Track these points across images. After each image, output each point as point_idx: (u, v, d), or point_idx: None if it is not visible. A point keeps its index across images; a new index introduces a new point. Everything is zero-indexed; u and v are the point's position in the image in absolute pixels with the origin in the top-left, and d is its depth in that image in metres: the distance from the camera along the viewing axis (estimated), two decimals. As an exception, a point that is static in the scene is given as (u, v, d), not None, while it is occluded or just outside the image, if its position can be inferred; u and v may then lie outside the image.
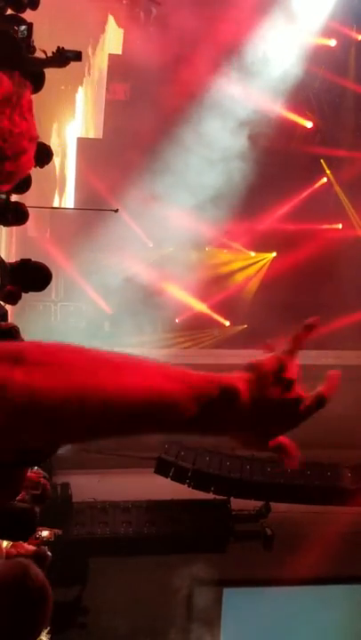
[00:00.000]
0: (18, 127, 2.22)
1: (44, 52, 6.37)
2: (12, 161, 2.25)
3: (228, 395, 1.28)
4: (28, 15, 6.42)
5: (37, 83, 5.91)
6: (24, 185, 5.57)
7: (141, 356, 1.26)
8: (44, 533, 7.16)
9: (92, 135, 15.78)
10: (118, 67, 15.15)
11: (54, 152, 7.92)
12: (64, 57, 6.55)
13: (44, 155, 6.27)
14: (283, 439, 1.40)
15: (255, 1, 14.40)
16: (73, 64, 8.02)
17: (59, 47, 6.43)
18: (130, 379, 1.20)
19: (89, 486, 12.34)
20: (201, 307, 16.06)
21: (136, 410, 1.18)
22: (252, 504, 12.83)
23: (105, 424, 1.19)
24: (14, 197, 6.84)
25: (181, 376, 1.24)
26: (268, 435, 1.36)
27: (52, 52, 6.47)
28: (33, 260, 5.76)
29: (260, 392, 1.32)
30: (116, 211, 9.95)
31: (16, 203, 6.64)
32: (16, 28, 5.95)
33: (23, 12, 6.30)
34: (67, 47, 6.97)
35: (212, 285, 16.13)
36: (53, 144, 13.88)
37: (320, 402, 1.39)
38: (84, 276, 14.43)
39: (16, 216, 6.31)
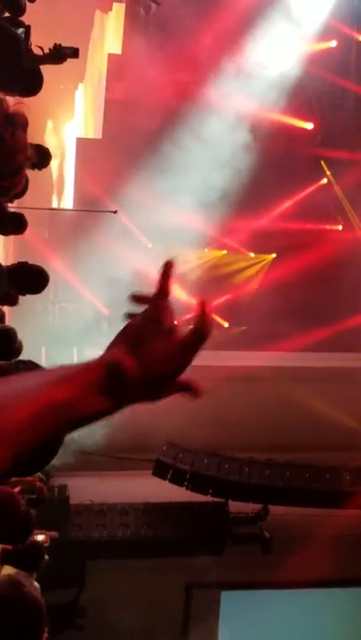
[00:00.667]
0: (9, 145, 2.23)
1: (41, 48, 6.34)
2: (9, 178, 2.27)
3: (115, 371, 1.33)
4: (26, 17, 6.37)
5: (34, 82, 5.86)
6: (22, 189, 5.52)
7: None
8: (40, 537, 7.12)
9: (91, 135, 15.74)
10: (118, 67, 15.11)
11: (53, 154, 7.87)
12: (61, 53, 6.51)
13: (42, 157, 6.24)
14: (181, 380, 1.42)
15: (255, 2, 14.37)
16: (72, 64, 8.00)
17: (55, 44, 6.39)
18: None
19: (86, 488, 12.29)
20: (199, 308, 16.01)
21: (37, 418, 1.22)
22: (250, 507, 12.79)
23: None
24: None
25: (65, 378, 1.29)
26: (166, 383, 1.39)
27: (49, 49, 6.43)
28: (30, 262, 5.73)
29: (142, 353, 1.35)
30: (115, 212, 9.91)
31: (14, 212, 6.61)
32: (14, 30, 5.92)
33: (21, 15, 6.25)
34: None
35: (212, 286, 16.09)
36: (52, 144, 13.85)
37: (199, 334, 1.43)
38: (82, 277, 14.38)
39: (14, 225, 6.27)
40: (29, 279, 5.73)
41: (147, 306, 1.43)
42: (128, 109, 14.71)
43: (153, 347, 1.36)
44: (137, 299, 1.45)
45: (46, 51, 6.51)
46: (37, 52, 6.44)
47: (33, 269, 5.74)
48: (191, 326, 1.42)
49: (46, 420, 1.23)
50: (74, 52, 6.61)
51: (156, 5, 14.59)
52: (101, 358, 1.38)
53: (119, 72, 15.08)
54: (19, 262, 5.80)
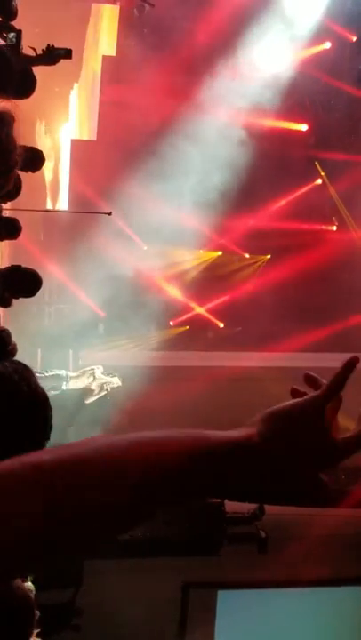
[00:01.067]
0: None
1: (34, 49, 6.31)
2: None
3: (243, 449, 1.24)
4: (18, 21, 6.38)
5: (27, 84, 5.87)
6: (14, 191, 5.55)
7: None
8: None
9: (85, 137, 15.76)
10: (112, 68, 15.14)
11: (47, 155, 7.87)
12: (54, 54, 6.47)
13: (35, 160, 6.24)
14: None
15: (248, 3, 14.42)
16: (68, 65, 7.97)
17: (48, 45, 6.36)
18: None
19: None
20: (195, 309, 16.07)
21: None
22: (246, 506, 12.81)
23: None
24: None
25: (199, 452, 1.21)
26: (300, 472, 1.30)
27: (42, 50, 6.40)
28: (24, 266, 5.75)
29: (289, 441, 1.27)
30: (110, 214, 9.92)
31: (8, 218, 6.60)
32: (5, 35, 5.93)
33: (13, 19, 6.25)
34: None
35: (207, 287, 16.13)
36: (46, 146, 13.86)
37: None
38: (78, 279, 14.40)
39: (8, 230, 6.29)
40: (23, 282, 5.74)
41: (313, 390, 1.34)
42: (123, 111, 14.72)
43: (303, 439, 1.28)
44: (309, 379, 1.39)
45: (39, 52, 6.48)
46: (30, 53, 6.42)
47: (26, 272, 5.76)
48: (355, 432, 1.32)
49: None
50: (67, 53, 6.57)
51: (149, 7, 14.62)
52: (252, 432, 1.27)
53: (113, 74, 15.12)
54: (12, 265, 5.81)
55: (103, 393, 10.91)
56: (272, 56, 14.67)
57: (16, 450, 1.19)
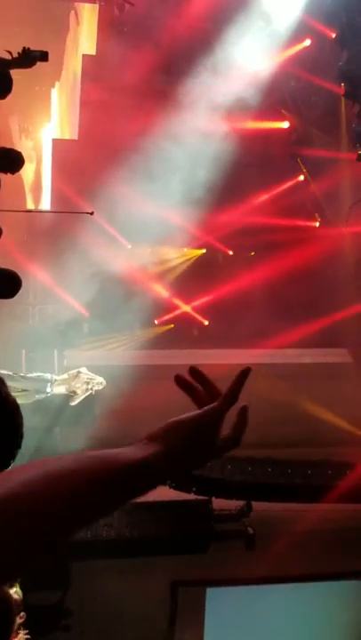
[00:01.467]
0: None
1: (10, 52, 6.20)
2: None
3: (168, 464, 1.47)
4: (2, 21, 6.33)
5: (3, 86, 5.81)
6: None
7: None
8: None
9: (67, 136, 15.72)
10: (92, 67, 15.10)
11: (28, 156, 7.82)
12: (30, 57, 6.35)
13: (15, 161, 6.18)
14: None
15: (228, 0, 14.42)
16: (48, 65, 7.89)
17: (24, 47, 6.23)
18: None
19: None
20: (180, 307, 16.09)
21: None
22: (233, 504, 12.85)
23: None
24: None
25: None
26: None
27: (18, 53, 6.27)
28: (2, 267, 5.71)
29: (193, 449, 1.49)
30: (92, 213, 9.88)
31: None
32: None
33: None
34: (38, 48, 6.80)
35: (191, 285, 16.14)
36: (27, 147, 13.80)
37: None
38: (61, 279, 14.37)
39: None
40: (1, 284, 5.69)
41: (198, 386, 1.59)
42: (103, 110, 14.70)
43: (201, 446, 1.50)
44: (194, 373, 1.66)
45: (15, 55, 6.36)
46: (6, 56, 6.31)
47: (5, 274, 5.70)
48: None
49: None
50: (43, 56, 6.45)
51: (129, 5, 14.60)
52: (158, 450, 1.48)
53: (94, 73, 15.08)
54: None
55: (88, 394, 10.89)
56: (252, 54, 14.67)
57: None
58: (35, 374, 10.32)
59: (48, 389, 10.31)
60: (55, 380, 10.39)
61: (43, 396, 10.37)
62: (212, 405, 1.52)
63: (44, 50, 6.43)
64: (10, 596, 2.41)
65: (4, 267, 5.75)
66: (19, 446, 1.99)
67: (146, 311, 15.31)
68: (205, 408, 1.53)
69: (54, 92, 15.88)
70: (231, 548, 12.59)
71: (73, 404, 10.84)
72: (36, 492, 1.22)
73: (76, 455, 1.36)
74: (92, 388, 10.93)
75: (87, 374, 10.84)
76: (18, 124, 14.63)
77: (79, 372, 10.86)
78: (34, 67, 6.91)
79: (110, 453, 1.40)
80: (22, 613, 8.30)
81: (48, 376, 10.39)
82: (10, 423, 1.95)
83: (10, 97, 6.38)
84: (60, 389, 10.53)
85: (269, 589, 13.75)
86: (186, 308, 16.15)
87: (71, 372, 10.84)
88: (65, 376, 10.71)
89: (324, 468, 13.16)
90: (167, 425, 1.51)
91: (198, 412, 1.53)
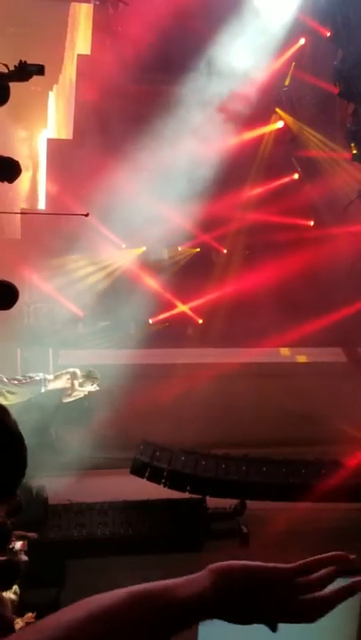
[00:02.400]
0: None
1: (6, 65, 6.18)
2: None
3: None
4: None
5: (2, 96, 5.81)
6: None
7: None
8: (17, 545, 7.15)
9: (63, 136, 15.70)
10: (87, 67, 15.11)
11: (25, 165, 7.80)
12: (26, 71, 6.31)
13: (12, 170, 6.14)
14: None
15: (223, 1, 14.44)
16: (47, 69, 7.82)
17: (21, 61, 6.20)
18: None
19: (65, 489, 12.31)
20: (175, 306, 16.12)
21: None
22: (227, 502, 12.88)
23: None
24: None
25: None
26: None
27: (15, 66, 6.24)
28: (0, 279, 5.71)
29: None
30: (87, 215, 9.88)
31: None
32: None
33: None
34: (35, 50, 6.82)
35: (186, 284, 16.16)
36: (23, 155, 13.75)
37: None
38: (57, 279, 14.38)
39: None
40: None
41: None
42: (98, 109, 14.71)
43: (264, 603, 1.34)
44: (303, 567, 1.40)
45: (11, 68, 6.33)
46: (2, 69, 6.27)
47: (2, 285, 5.69)
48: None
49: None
50: (39, 70, 6.41)
51: (123, 5, 14.61)
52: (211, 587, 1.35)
53: (89, 72, 15.09)
54: None
55: (81, 392, 10.92)
56: (247, 53, 14.69)
57: None
58: (28, 376, 10.33)
59: (42, 389, 10.32)
60: (47, 380, 10.41)
61: (36, 395, 10.39)
62: (285, 566, 1.37)
63: (41, 63, 6.37)
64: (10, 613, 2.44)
65: (1, 278, 5.72)
66: (23, 475, 2.03)
67: (140, 310, 15.34)
68: (277, 565, 1.37)
69: (52, 95, 15.86)
70: (225, 546, 12.63)
71: (66, 401, 10.87)
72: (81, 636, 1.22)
73: (123, 595, 1.32)
74: (85, 388, 10.95)
75: (80, 376, 10.86)
76: (18, 126, 14.61)
77: (72, 371, 10.88)
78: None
79: (160, 589, 1.31)
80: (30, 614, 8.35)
81: (41, 376, 10.40)
82: (16, 455, 2.00)
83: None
84: (56, 385, 10.56)
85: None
86: (181, 307, 16.18)
87: (62, 372, 10.85)
88: (58, 375, 10.73)
89: (317, 467, 13.19)
90: (230, 566, 1.39)
91: (268, 565, 1.38)
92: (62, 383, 10.53)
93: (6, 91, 5.80)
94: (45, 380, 10.27)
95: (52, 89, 15.82)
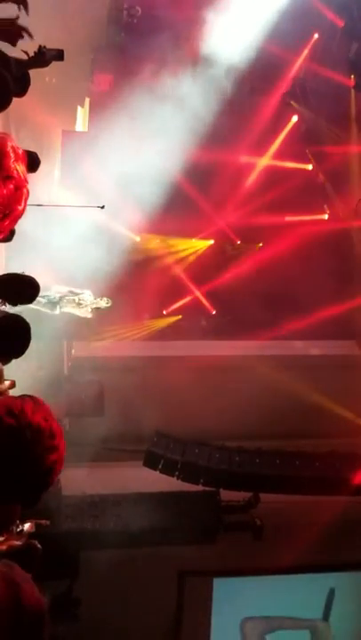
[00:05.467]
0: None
1: (26, 52, 6.17)
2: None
3: None
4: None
5: (23, 86, 5.79)
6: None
7: None
8: (26, 526, 7.13)
9: (80, 129, 15.62)
10: (102, 58, 15.09)
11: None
12: (46, 56, 6.30)
13: (34, 163, 6.09)
14: None
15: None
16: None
17: (40, 46, 6.20)
18: None
19: (79, 480, 12.34)
20: (189, 297, 16.12)
21: None
22: (241, 495, 12.88)
23: None
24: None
25: None
26: None
27: (34, 52, 6.23)
28: (21, 273, 5.71)
29: None
30: (103, 207, 9.86)
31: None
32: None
33: None
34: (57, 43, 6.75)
35: (200, 276, 16.17)
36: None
37: None
38: (69, 270, 14.37)
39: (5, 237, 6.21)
40: (24, 290, 5.67)
41: None
42: (113, 101, 14.64)
43: None
44: None
45: (31, 54, 6.32)
46: (22, 56, 6.26)
47: (26, 280, 5.68)
48: None
49: None
50: (58, 55, 6.41)
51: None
52: None
53: (103, 63, 15.08)
54: (8, 273, 5.71)
55: (94, 306, 11.34)
56: (254, 45, 14.57)
57: None
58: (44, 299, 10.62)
59: (57, 312, 10.71)
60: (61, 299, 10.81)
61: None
62: None
63: (60, 48, 6.36)
64: (42, 600, 2.45)
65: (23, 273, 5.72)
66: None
67: (154, 302, 15.34)
68: None
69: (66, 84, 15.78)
70: (239, 538, 12.63)
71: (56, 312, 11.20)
72: None
73: None
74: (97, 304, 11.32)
75: (91, 299, 11.28)
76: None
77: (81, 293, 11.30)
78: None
79: None
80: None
81: (55, 296, 10.78)
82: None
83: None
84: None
85: (277, 580, 13.80)
86: (196, 296, 16.17)
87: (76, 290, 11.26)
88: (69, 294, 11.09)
89: (331, 461, 13.16)
90: None
91: None
92: (76, 298, 10.91)
93: (26, 78, 5.78)
94: (59, 299, 10.67)
95: (63, 82, 15.75)
